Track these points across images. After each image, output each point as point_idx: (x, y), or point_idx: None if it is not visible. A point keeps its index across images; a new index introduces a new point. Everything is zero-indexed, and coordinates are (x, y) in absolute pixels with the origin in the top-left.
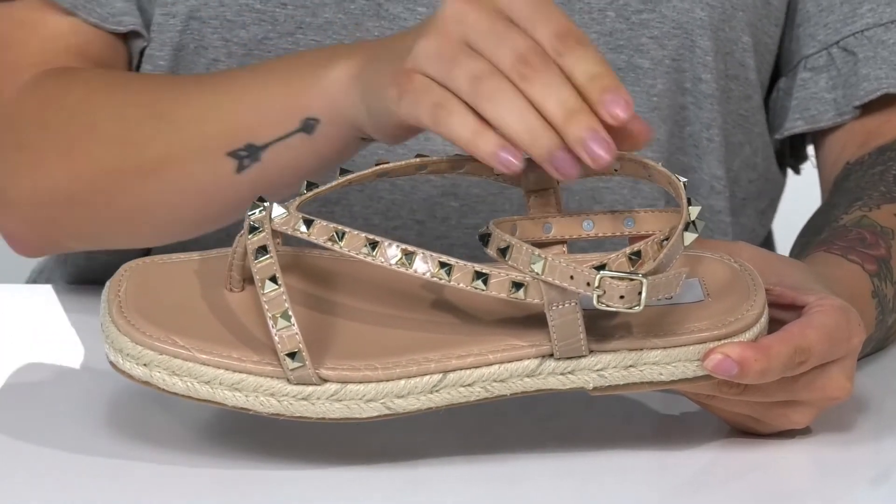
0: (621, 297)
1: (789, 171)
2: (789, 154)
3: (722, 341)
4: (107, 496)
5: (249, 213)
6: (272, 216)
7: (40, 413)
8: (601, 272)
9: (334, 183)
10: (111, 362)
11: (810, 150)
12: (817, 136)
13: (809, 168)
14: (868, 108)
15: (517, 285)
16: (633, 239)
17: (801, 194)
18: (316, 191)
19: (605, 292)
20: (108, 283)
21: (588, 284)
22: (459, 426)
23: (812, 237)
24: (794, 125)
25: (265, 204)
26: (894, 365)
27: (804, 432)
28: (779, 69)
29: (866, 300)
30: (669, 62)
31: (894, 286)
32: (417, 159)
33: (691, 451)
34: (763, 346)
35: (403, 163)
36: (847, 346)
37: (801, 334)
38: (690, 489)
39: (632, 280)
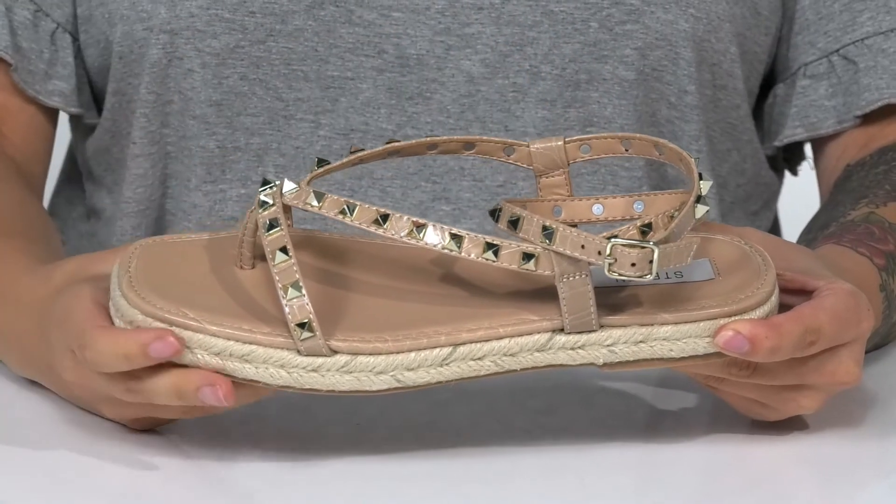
0: (632, 264)
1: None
2: (783, 157)
3: (733, 318)
4: (114, 493)
5: (260, 190)
6: (283, 191)
7: (44, 410)
8: (612, 240)
9: (345, 160)
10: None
11: (807, 149)
12: (816, 142)
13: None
14: (868, 115)
15: (528, 256)
16: None
17: (809, 192)
18: (326, 167)
19: (616, 260)
20: (118, 260)
21: (599, 253)
22: (450, 423)
23: (818, 233)
24: (795, 132)
25: (276, 181)
26: None
27: (806, 429)
28: (774, 76)
29: (874, 293)
30: (650, 72)
31: None
32: (428, 139)
33: (687, 447)
34: (774, 323)
35: (414, 142)
36: (857, 330)
37: (812, 315)
38: (686, 486)
39: (643, 248)
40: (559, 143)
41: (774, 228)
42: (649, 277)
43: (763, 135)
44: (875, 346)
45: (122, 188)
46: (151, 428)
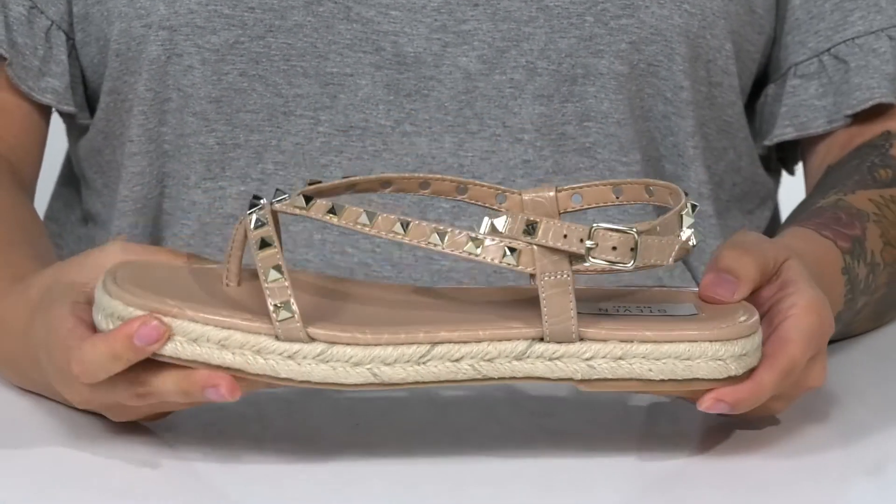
0: (613, 248)
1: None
2: (776, 157)
3: (716, 341)
4: (112, 494)
5: (249, 212)
6: (273, 204)
7: (42, 411)
8: (595, 225)
9: (336, 183)
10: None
11: None
12: (805, 142)
13: None
14: (855, 115)
15: (511, 250)
16: None
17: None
18: (317, 186)
19: (597, 245)
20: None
21: (581, 241)
22: (450, 426)
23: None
24: (784, 132)
25: (262, 202)
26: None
27: (799, 435)
28: (766, 76)
29: (835, 276)
30: (644, 66)
31: (868, 267)
32: (422, 175)
33: (683, 451)
34: (755, 382)
35: (407, 175)
36: (823, 342)
37: (785, 354)
38: (682, 489)
39: (626, 233)
40: (551, 193)
41: (774, 226)
42: (630, 266)
43: (754, 135)
44: (839, 335)
45: (118, 188)
46: (162, 417)
